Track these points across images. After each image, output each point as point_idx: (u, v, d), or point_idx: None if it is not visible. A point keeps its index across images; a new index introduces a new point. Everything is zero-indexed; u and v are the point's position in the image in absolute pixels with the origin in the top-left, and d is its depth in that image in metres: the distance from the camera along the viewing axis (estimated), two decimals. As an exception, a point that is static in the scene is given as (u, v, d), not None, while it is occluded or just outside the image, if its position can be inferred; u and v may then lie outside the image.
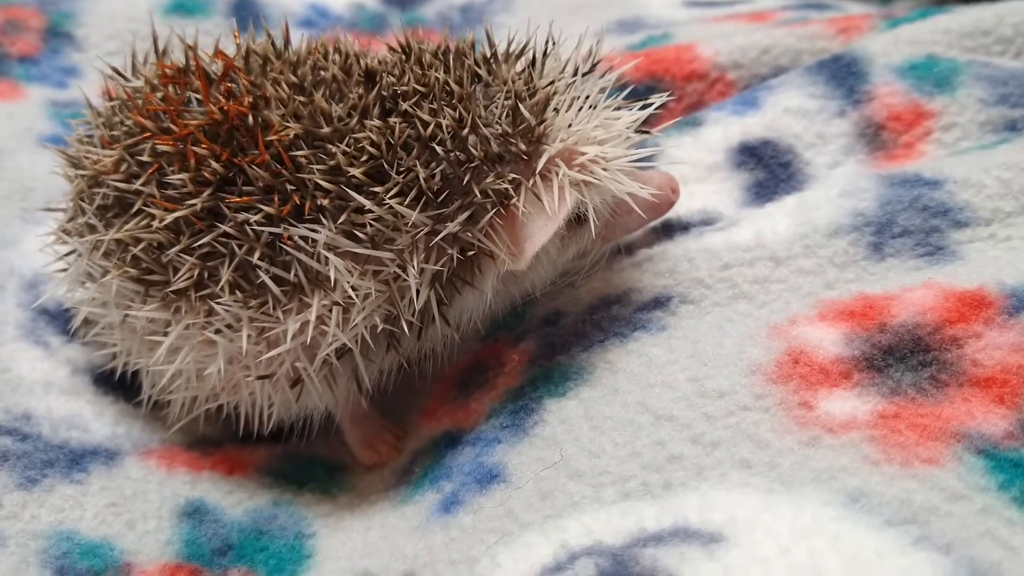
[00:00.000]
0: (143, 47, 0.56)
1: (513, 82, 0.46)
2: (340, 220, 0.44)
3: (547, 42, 0.49)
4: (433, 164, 0.44)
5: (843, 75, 0.59)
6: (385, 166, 0.44)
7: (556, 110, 0.46)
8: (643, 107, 0.50)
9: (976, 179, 0.50)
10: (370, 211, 0.44)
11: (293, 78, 0.48)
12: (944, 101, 0.56)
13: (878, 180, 0.52)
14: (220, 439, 0.55)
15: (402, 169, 0.44)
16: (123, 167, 0.48)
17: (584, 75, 0.48)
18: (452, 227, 0.44)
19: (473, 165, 0.44)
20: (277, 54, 0.50)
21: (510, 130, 0.45)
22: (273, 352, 0.46)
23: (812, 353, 0.44)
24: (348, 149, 0.45)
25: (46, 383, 0.53)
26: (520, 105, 0.45)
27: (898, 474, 0.38)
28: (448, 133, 0.44)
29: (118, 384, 0.55)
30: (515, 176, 0.45)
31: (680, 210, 0.57)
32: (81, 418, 0.52)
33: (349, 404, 0.53)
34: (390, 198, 0.44)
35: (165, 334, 0.48)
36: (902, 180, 0.51)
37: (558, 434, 0.46)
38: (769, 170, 0.57)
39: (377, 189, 0.44)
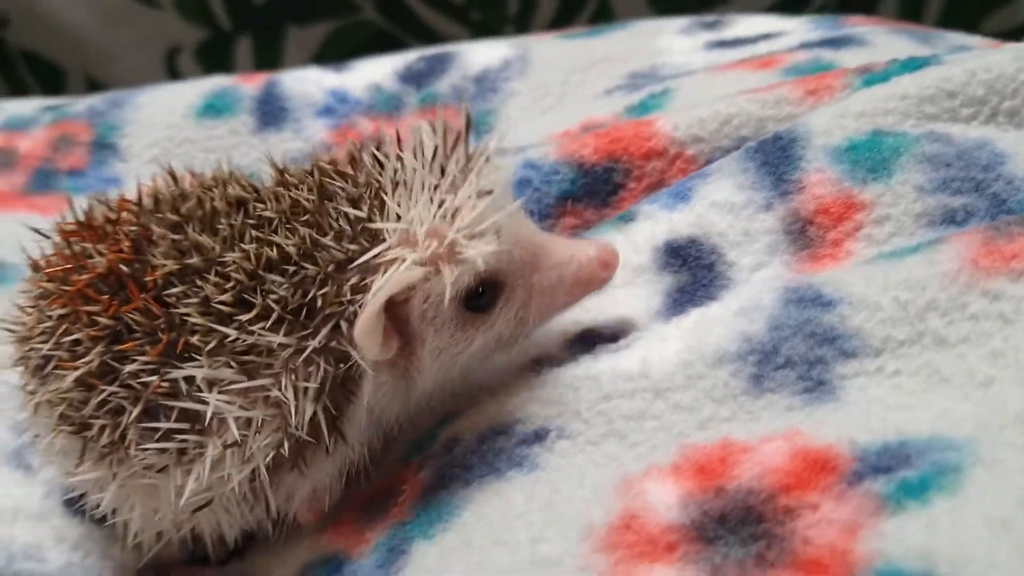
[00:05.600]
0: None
1: (354, 185, 0.47)
2: (216, 354, 0.45)
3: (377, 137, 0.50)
4: (288, 284, 0.45)
5: (775, 161, 0.53)
6: (249, 292, 0.45)
7: (384, 201, 0.46)
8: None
9: (873, 299, 0.44)
10: (240, 340, 0.45)
11: (174, 217, 0.49)
12: (878, 189, 0.49)
13: (779, 296, 0.47)
14: (171, 563, 0.58)
15: (264, 292, 0.45)
16: (40, 328, 0.51)
17: (417, 155, 0.47)
18: (315, 342, 0.45)
19: (322, 277, 0.45)
20: (172, 191, 0.52)
21: (351, 234, 0.46)
22: (187, 496, 0.48)
23: (645, 518, 0.41)
24: (216, 279, 0.46)
25: (15, 510, 0.58)
26: (351, 207, 0.46)
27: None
28: (297, 251, 0.45)
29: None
30: (363, 278, 0.45)
31: (599, 318, 0.54)
32: (40, 548, 0.57)
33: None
34: (254, 325, 0.45)
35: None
36: (799, 298, 0.46)
37: (408, 586, 0.45)
38: (692, 273, 0.53)
39: (242, 317, 0.45)
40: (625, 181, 0.62)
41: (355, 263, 0.45)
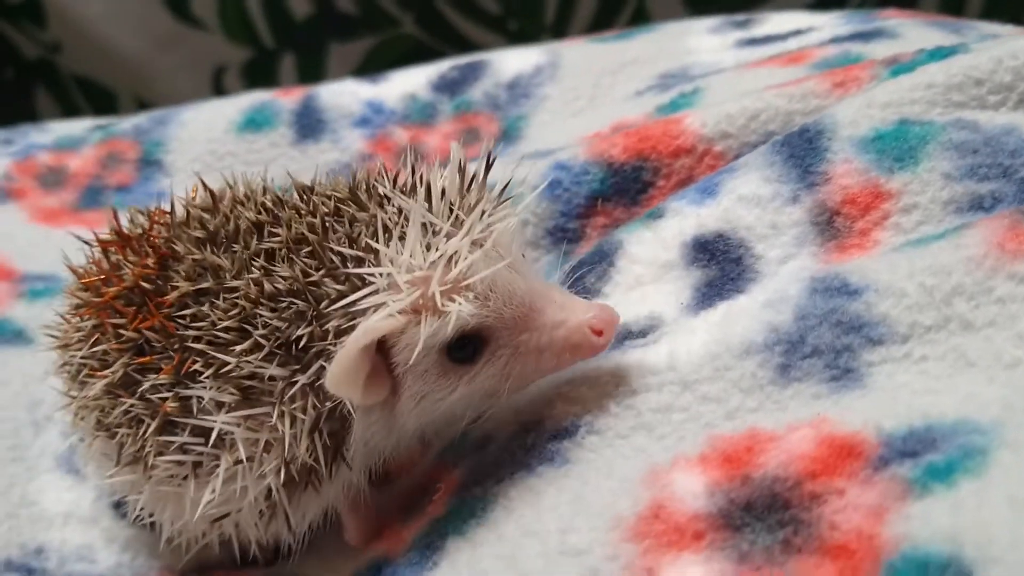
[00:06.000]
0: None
1: (354, 220, 0.46)
2: (220, 378, 0.46)
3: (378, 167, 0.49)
4: (279, 318, 0.45)
5: (801, 153, 0.53)
6: (248, 321, 0.45)
7: (375, 241, 0.44)
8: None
9: (898, 286, 0.44)
10: (239, 367, 0.45)
11: (200, 233, 0.49)
12: (905, 178, 0.49)
13: (806, 286, 0.47)
14: (217, 565, 0.60)
15: (261, 323, 0.45)
16: (77, 336, 0.53)
17: (412, 193, 0.46)
18: (305, 378, 0.45)
19: (314, 314, 0.44)
20: (203, 205, 0.52)
21: (342, 274, 0.44)
22: (202, 508, 0.49)
23: (672, 508, 0.41)
24: (224, 304, 0.46)
25: (66, 514, 0.60)
26: (348, 244, 0.45)
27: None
28: (291, 285, 0.45)
29: (137, 508, 0.61)
30: (350, 320, 0.44)
31: (628, 315, 0.54)
32: (90, 549, 0.59)
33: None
34: (248, 354, 0.45)
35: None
36: (825, 288, 0.46)
37: (440, 582, 0.46)
38: (721, 267, 0.53)
39: (237, 347, 0.45)
40: (654, 179, 0.62)
41: (337, 304, 0.44)
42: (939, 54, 0.56)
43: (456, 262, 0.44)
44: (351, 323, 0.44)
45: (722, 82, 0.71)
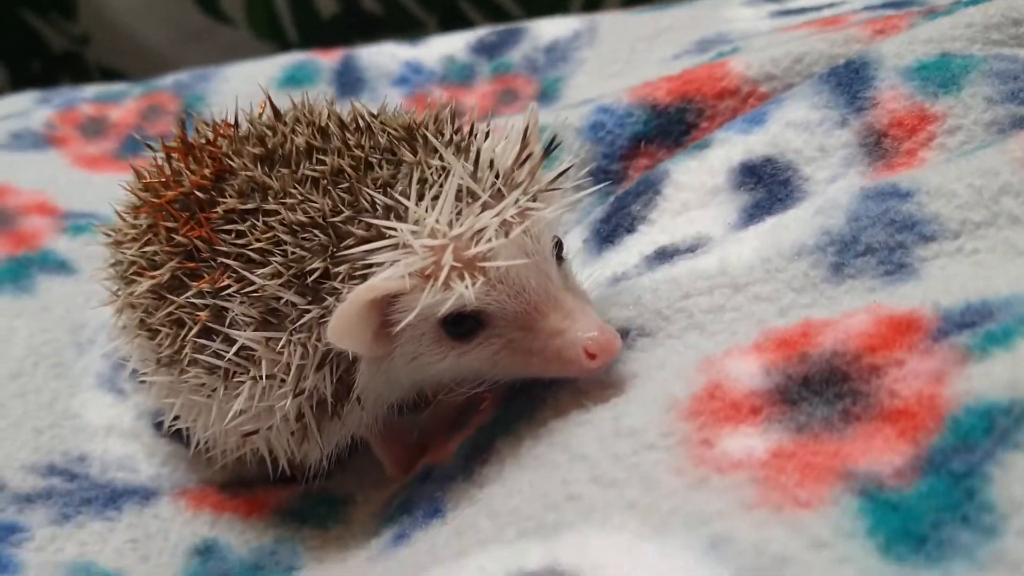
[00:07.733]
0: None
1: (398, 165, 0.45)
2: (247, 295, 0.46)
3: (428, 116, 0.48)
4: (300, 248, 0.45)
5: (848, 81, 0.55)
6: (277, 246, 0.45)
7: (411, 191, 0.44)
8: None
9: (948, 188, 0.45)
10: (263, 288, 0.46)
11: (257, 150, 0.49)
12: (949, 102, 0.51)
13: (856, 195, 0.48)
14: (254, 480, 0.60)
15: (288, 249, 0.45)
16: (131, 234, 0.54)
17: (459, 153, 0.45)
18: (317, 311, 0.45)
19: (334, 250, 0.44)
20: (265, 123, 0.53)
21: (368, 218, 0.44)
22: (229, 419, 0.49)
23: (728, 386, 0.42)
24: (262, 226, 0.46)
25: (108, 427, 0.61)
26: (383, 190, 0.44)
27: (767, 520, 0.36)
28: (317, 217, 0.45)
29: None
30: (365, 267, 0.44)
31: (676, 236, 0.55)
32: (132, 459, 0.59)
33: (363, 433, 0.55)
34: (270, 277, 0.45)
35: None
36: (876, 193, 0.47)
37: (491, 472, 0.47)
38: (768, 189, 0.54)
39: (260, 269, 0.45)
40: (698, 121, 0.64)
41: (355, 249, 0.44)
42: (976, 2, 0.58)
43: (478, 241, 0.43)
44: (362, 272, 0.44)
45: (760, 42, 0.73)
